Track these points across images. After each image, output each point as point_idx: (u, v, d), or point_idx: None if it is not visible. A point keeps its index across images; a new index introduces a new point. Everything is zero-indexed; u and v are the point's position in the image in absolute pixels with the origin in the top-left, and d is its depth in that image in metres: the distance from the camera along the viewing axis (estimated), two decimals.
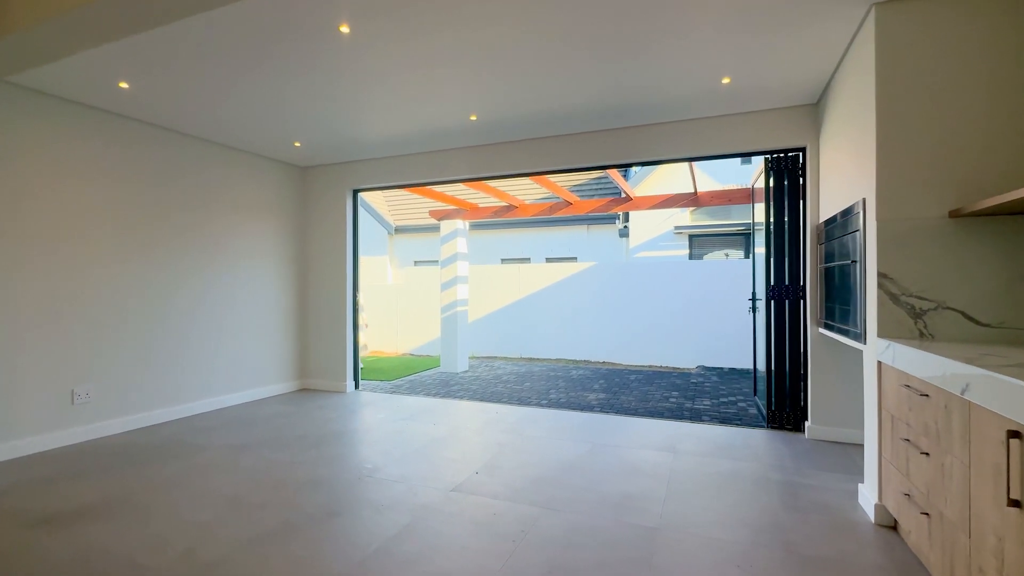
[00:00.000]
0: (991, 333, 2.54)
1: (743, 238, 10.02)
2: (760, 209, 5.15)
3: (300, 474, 3.45)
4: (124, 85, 3.79)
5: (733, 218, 9.88)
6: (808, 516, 2.82)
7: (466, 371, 8.17)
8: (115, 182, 4.38)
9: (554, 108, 4.32)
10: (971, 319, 2.57)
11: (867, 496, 2.89)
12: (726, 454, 3.82)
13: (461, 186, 8.50)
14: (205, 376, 5.08)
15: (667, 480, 3.33)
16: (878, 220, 2.74)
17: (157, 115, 4.44)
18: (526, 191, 11.09)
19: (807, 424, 4.20)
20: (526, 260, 11.46)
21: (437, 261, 12.30)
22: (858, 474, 3.39)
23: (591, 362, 9.04)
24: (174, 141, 4.82)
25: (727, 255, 10.78)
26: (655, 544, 2.53)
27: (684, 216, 10.13)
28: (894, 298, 2.71)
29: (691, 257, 10.27)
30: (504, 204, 8.28)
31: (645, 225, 10.36)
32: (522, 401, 5.94)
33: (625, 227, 10.63)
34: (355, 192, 6.10)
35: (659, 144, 4.74)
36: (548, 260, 11.32)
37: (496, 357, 9.75)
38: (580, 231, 11.10)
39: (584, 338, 9.17)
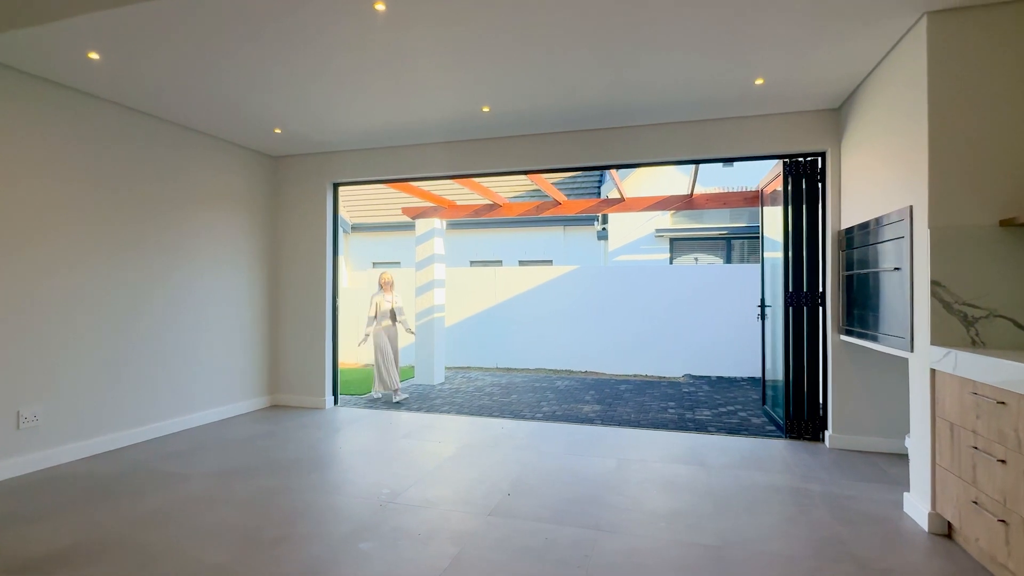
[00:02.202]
0: None
1: (724, 242, 10.44)
2: (770, 213, 5.38)
3: (310, 502, 3.26)
4: (94, 56, 3.48)
5: (714, 221, 10.28)
6: (862, 528, 2.96)
7: (443, 383, 8.04)
8: (68, 174, 3.99)
9: (573, 102, 4.34)
10: (1021, 327, 2.79)
11: (916, 505, 3.06)
12: (756, 466, 3.95)
13: (435, 181, 8.37)
14: (168, 393, 4.72)
15: (709, 495, 3.40)
16: (931, 227, 2.93)
17: (126, 93, 4.11)
18: (504, 187, 11.08)
19: (827, 434, 4.41)
20: (498, 263, 11.43)
21: (398, 263, 12.08)
22: (891, 483, 3.60)
23: (574, 372, 9.13)
24: (139, 125, 4.47)
25: (696, 259, 11.21)
26: (725, 564, 2.57)
27: (665, 219, 10.44)
28: (947, 306, 2.90)
29: (672, 261, 10.59)
30: (487, 202, 8.23)
31: (625, 227, 10.60)
32: (515, 415, 5.91)
33: (604, 229, 10.83)
34: (335, 186, 5.88)
35: (672, 144, 4.85)
36: (521, 263, 11.35)
37: (471, 367, 9.65)
38: (556, 232, 11.21)
39: (565, 347, 9.23)
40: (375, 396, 6.71)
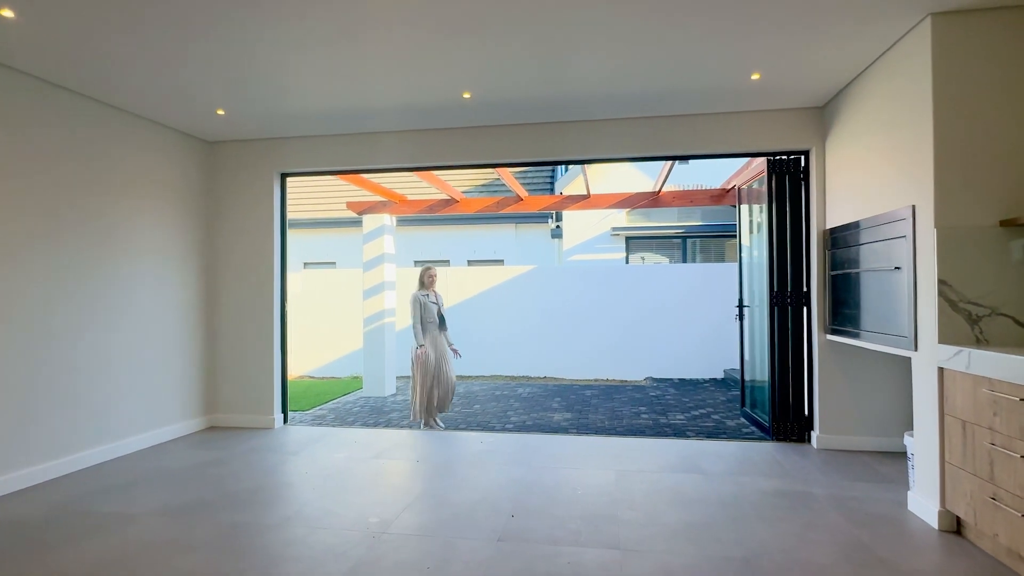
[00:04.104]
0: None
1: (680, 241, 10.81)
2: (748, 211, 5.60)
3: (289, 539, 3.01)
4: (7, 13, 3.03)
5: (670, 220, 10.61)
6: (877, 530, 3.10)
7: (394, 395, 7.79)
8: None
9: (562, 90, 4.29)
10: (1021, 324, 3.03)
11: (922, 503, 3.25)
12: (754, 471, 4.07)
13: (384, 173, 8.10)
14: (89, 418, 4.22)
15: (720, 505, 3.46)
16: (937, 227, 3.12)
17: (40, 61, 3.63)
18: (456, 181, 10.90)
19: (814, 434, 4.63)
20: (445, 263, 11.23)
21: (334, 263, 11.60)
22: (887, 482, 3.81)
23: (532, 378, 9.11)
24: (53, 99, 3.96)
25: (643, 259, 11.56)
26: None
27: (621, 217, 10.66)
28: (953, 305, 3.10)
29: (628, 260, 10.83)
30: (441, 197, 8.04)
31: (580, 226, 10.72)
32: (483, 426, 5.82)
33: (558, 227, 10.90)
34: (283, 176, 5.51)
35: (653, 139, 4.92)
36: (470, 263, 11.20)
37: None
38: (507, 230, 11.16)
39: (522, 352, 9.20)
40: (420, 425, 5.64)
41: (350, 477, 4.02)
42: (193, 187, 5.29)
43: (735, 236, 10.60)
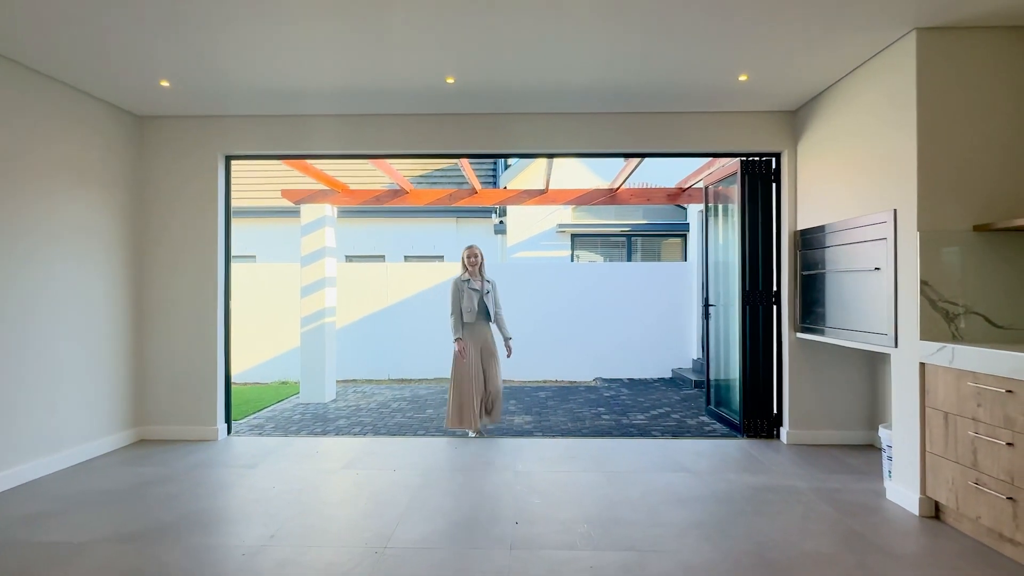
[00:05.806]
0: (1006, 334, 3.41)
1: (626, 239, 11.18)
2: (715, 211, 5.90)
3: (281, 560, 2.84)
4: None
5: (615, 218, 10.95)
6: (866, 518, 3.39)
7: (335, 400, 7.53)
8: None
9: (539, 82, 4.33)
10: (991, 322, 3.42)
11: (901, 491, 3.59)
12: (738, 468, 4.32)
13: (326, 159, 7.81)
14: (2, 434, 3.77)
15: (716, 502, 3.65)
16: (920, 230, 3.45)
17: None
18: (402, 169, 10.66)
19: (784, 430, 4.97)
20: (380, 258, 10.97)
21: (254, 257, 11.03)
22: (860, 473, 4.17)
23: None
24: None
25: (578, 257, 11.90)
26: (778, 570, 2.78)
27: (567, 214, 10.87)
28: (932, 304, 3.45)
29: (574, 258, 11.06)
30: (388, 187, 7.85)
31: (525, 221, 10.82)
32: (446, 432, 5.76)
33: (502, 222, 10.95)
34: (227, 159, 5.16)
35: (626, 136, 5.08)
36: (407, 259, 11.01)
37: (359, 380, 9.15)
38: (448, 225, 11.07)
39: None
40: (470, 435, 5.31)
41: (326, 490, 3.85)
42: (120, 167, 4.84)
43: (677, 235, 11.18)
